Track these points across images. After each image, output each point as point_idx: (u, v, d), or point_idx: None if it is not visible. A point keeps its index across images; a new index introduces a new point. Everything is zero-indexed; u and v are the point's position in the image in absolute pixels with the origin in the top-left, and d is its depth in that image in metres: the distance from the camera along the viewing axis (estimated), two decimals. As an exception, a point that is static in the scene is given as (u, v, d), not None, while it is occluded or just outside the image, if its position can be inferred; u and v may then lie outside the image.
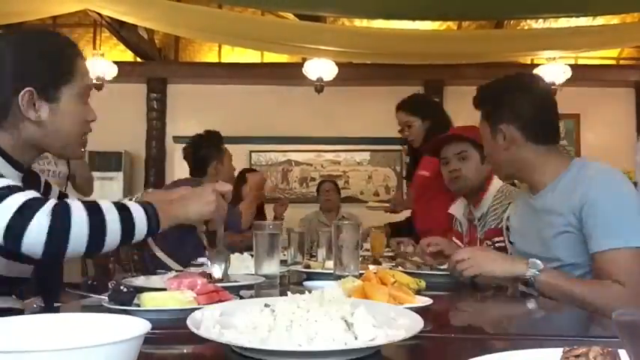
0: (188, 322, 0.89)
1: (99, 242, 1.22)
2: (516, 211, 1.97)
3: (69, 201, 1.22)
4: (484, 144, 1.90)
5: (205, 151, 3.42)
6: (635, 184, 1.97)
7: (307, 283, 1.56)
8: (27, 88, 1.33)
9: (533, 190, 1.82)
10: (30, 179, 1.48)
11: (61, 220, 1.16)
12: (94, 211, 1.22)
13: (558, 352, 0.56)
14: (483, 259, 1.68)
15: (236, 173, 4.54)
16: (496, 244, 2.22)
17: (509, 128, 1.76)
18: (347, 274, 1.61)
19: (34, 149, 1.42)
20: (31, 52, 1.39)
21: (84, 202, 1.23)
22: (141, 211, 1.29)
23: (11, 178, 1.32)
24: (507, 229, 2.07)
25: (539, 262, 1.60)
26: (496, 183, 2.40)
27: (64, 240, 1.17)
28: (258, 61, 7.41)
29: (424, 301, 1.22)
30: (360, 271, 1.76)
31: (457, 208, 2.51)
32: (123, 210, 1.27)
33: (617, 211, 1.57)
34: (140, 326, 0.67)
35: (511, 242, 1.99)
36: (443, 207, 2.67)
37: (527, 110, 1.77)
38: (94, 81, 5.81)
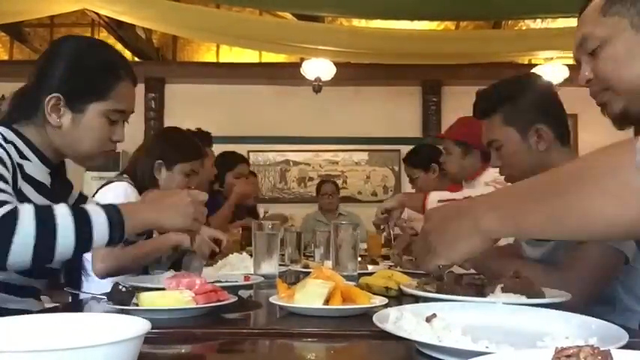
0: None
1: (47, 253, 1.15)
2: None
3: (20, 207, 1.16)
4: (507, 151, 1.72)
5: None
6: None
7: None
8: (54, 94, 1.38)
9: None
10: (60, 173, 1.52)
11: (5, 229, 1.11)
12: (45, 219, 1.15)
13: (550, 352, 0.56)
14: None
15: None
16: None
17: (546, 130, 1.65)
18: (346, 273, 1.61)
19: (58, 151, 1.46)
20: (71, 61, 1.42)
21: (37, 208, 1.17)
22: (102, 218, 1.22)
23: (40, 172, 1.40)
24: None
25: None
26: (492, 171, 2.45)
27: (3, 251, 1.11)
28: (256, 60, 7.41)
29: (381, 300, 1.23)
30: (359, 271, 1.77)
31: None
32: (80, 217, 1.20)
33: None
34: (140, 326, 0.67)
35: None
36: None
37: (556, 110, 1.70)
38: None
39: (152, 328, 0.68)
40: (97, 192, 2.27)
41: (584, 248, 1.45)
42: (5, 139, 1.35)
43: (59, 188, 1.51)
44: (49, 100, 1.38)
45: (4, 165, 1.28)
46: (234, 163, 3.80)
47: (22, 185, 1.35)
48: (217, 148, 3.80)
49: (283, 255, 2.30)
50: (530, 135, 1.66)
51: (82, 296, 1.50)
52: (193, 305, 1.14)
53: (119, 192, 2.22)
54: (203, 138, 3.17)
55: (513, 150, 1.70)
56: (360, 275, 1.67)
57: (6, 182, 1.25)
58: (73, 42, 1.50)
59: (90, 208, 1.24)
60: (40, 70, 1.42)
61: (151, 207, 1.34)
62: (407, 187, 7.03)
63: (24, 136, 1.40)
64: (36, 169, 1.41)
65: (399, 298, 1.39)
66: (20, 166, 1.36)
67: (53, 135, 1.42)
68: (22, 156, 1.38)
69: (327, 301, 1.15)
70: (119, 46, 6.86)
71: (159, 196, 1.40)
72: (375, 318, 0.91)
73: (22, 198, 1.33)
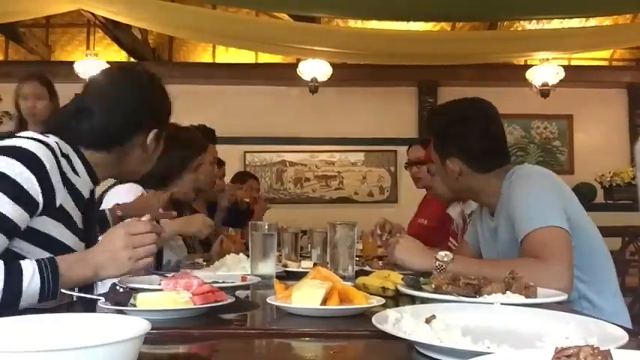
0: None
1: None
2: (482, 235, 1.97)
3: None
4: (435, 168, 2.01)
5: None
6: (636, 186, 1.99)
7: None
8: (155, 130, 1.51)
9: (491, 211, 1.87)
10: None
11: None
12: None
13: (550, 352, 0.57)
14: (404, 249, 1.73)
15: (230, 174, 4.50)
16: None
17: (456, 162, 1.82)
18: (343, 273, 1.61)
19: (110, 173, 1.58)
20: (157, 91, 1.59)
21: None
22: (35, 276, 1.19)
23: (85, 186, 1.44)
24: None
25: (449, 254, 1.61)
26: None
27: None
28: (253, 61, 7.40)
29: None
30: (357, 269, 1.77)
31: (453, 209, 2.62)
32: (11, 274, 1.17)
33: (532, 200, 1.63)
34: (140, 326, 0.67)
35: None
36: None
37: (472, 143, 1.81)
38: (87, 81, 5.79)
39: (150, 329, 0.68)
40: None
41: (548, 237, 1.55)
42: (61, 152, 1.36)
43: (92, 203, 1.59)
44: (152, 134, 1.51)
45: (43, 183, 1.27)
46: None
47: (64, 202, 1.34)
48: (213, 149, 3.78)
49: (280, 255, 2.30)
50: (446, 164, 1.85)
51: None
52: (191, 306, 1.13)
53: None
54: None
55: (436, 171, 2.03)
56: (357, 275, 1.67)
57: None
58: (141, 74, 1.62)
59: (26, 266, 1.20)
60: (137, 106, 1.49)
61: (91, 263, 1.30)
62: (403, 187, 7.05)
63: (80, 151, 1.43)
64: (83, 185, 1.44)
65: (395, 298, 1.40)
66: (69, 181, 1.37)
67: (136, 163, 1.53)
68: (75, 171, 1.41)
69: (324, 302, 1.15)
70: (115, 47, 6.86)
71: (100, 248, 1.34)
72: (374, 319, 0.91)
73: (62, 215, 1.34)
